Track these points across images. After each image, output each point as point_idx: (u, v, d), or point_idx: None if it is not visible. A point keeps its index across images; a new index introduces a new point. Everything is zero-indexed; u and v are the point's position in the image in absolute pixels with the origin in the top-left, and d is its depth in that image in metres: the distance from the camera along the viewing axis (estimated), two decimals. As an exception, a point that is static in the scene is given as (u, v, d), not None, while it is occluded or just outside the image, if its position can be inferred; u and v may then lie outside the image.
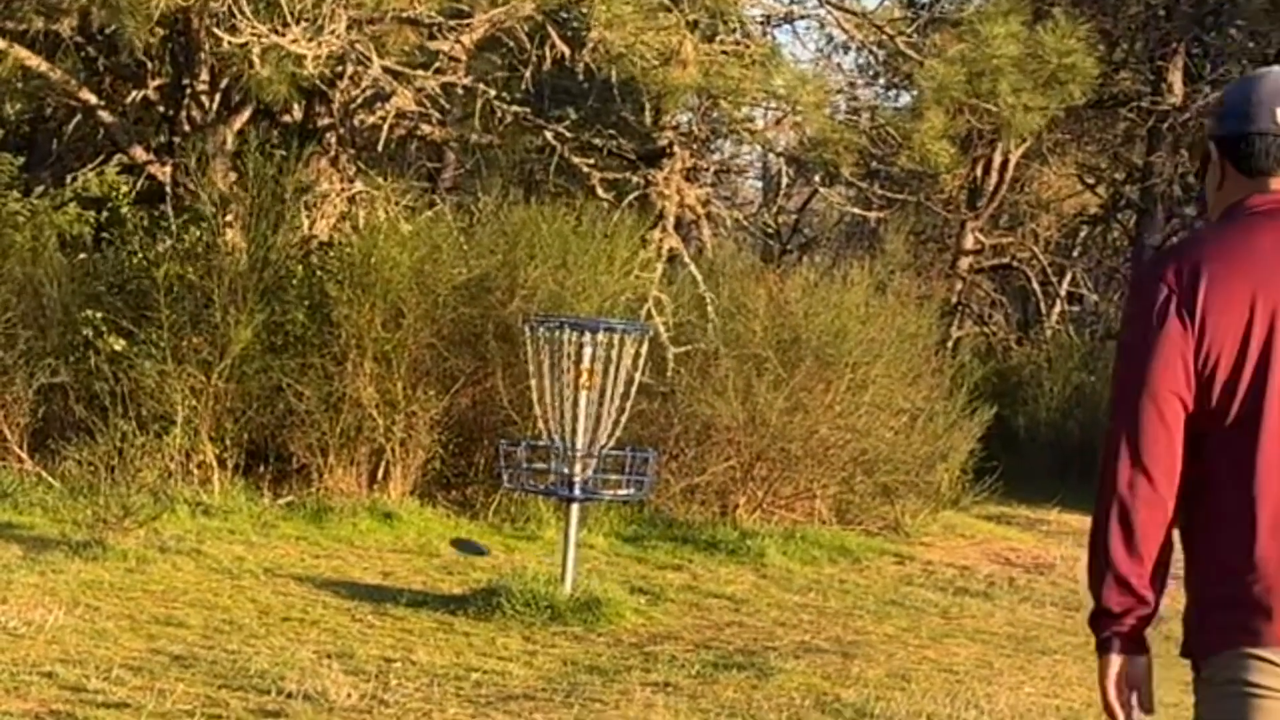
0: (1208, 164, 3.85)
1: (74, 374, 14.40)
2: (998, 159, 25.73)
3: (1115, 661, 3.76)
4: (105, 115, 16.48)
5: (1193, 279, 3.64)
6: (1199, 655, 3.80)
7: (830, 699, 8.58)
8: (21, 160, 16.66)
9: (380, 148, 16.12)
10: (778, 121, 16.59)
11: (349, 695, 8.07)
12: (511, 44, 15.95)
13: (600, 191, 16.06)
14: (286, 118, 16.25)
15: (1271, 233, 3.69)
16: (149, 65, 16.55)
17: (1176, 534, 3.85)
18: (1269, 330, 3.62)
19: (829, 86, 18.24)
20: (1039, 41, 16.34)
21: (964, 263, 26.07)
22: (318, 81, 14.77)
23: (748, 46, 15.88)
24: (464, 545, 12.45)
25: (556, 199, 15.62)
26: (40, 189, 16.48)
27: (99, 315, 14.39)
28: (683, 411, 14.74)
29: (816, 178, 20.81)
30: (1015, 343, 26.97)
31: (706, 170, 17.43)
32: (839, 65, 25.45)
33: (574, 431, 10.93)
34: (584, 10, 14.94)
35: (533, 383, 11.20)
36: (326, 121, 16.00)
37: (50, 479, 13.61)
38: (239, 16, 14.06)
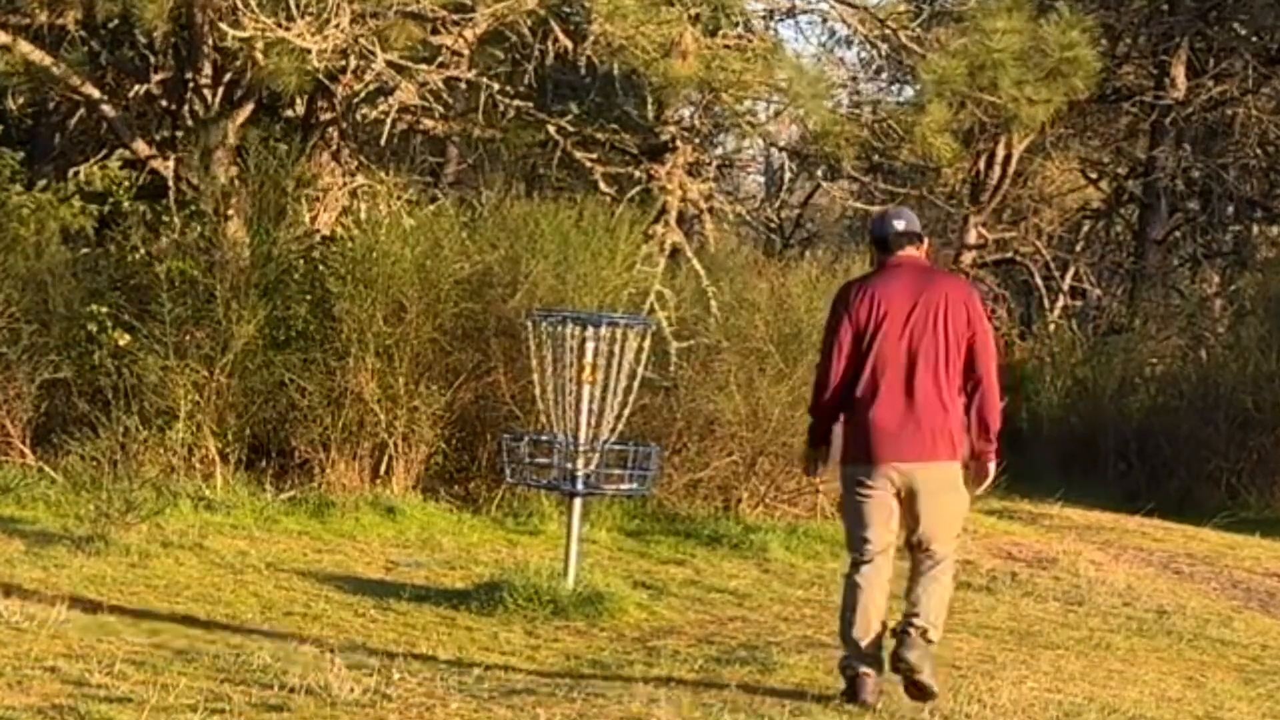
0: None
1: (77, 369, 14.40)
2: (1000, 153, 25.71)
3: (817, 451, 8.38)
4: (108, 109, 16.47)
5: (857, 294, 8.22)
6: (844, 463, 8.24)
7: (833, 694, 8.57)
8: (23, 155, 16.64)
9: (383, 142, 16.12)
10: (777, 114, 16.57)
11: (352, 689, 8.06)
12: (514, 38, 15.95)
13: (603, 186, 16.06)
14: (289, 112, 16.25)
15: (896, 274, 8.25)
16: (152, 59, 16.54)
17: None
18: (883, 314, 8.10)
19: (832, 80, 18.22)
20: (1041, 35, 16.32)
21: (966, 257, 26.04)
22: (320, 76, 14.77)
23: (750, 41, 15.87)
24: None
25: (559, 194, 15.62)
26: (43, 183, 16.48)
27: (102, 310, 14.39)
28: (685, 406, 14.74)
29: (819, 172, 20.81)
30: (1018, 337, 26.96)
31: (709, 165, 17.41)
32: (841, 59, 25.46)
33: (576, 426, 10.93)
34: (586, 4, 14.93)
35: (535, 377, 11.20)
36: (329, 116, 16.00)
37: (53, 474, 13.61)
38: (243, 10, 14.06)
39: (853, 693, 8.20)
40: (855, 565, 8.26)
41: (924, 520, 8.19)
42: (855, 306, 8.18)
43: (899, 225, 8.33)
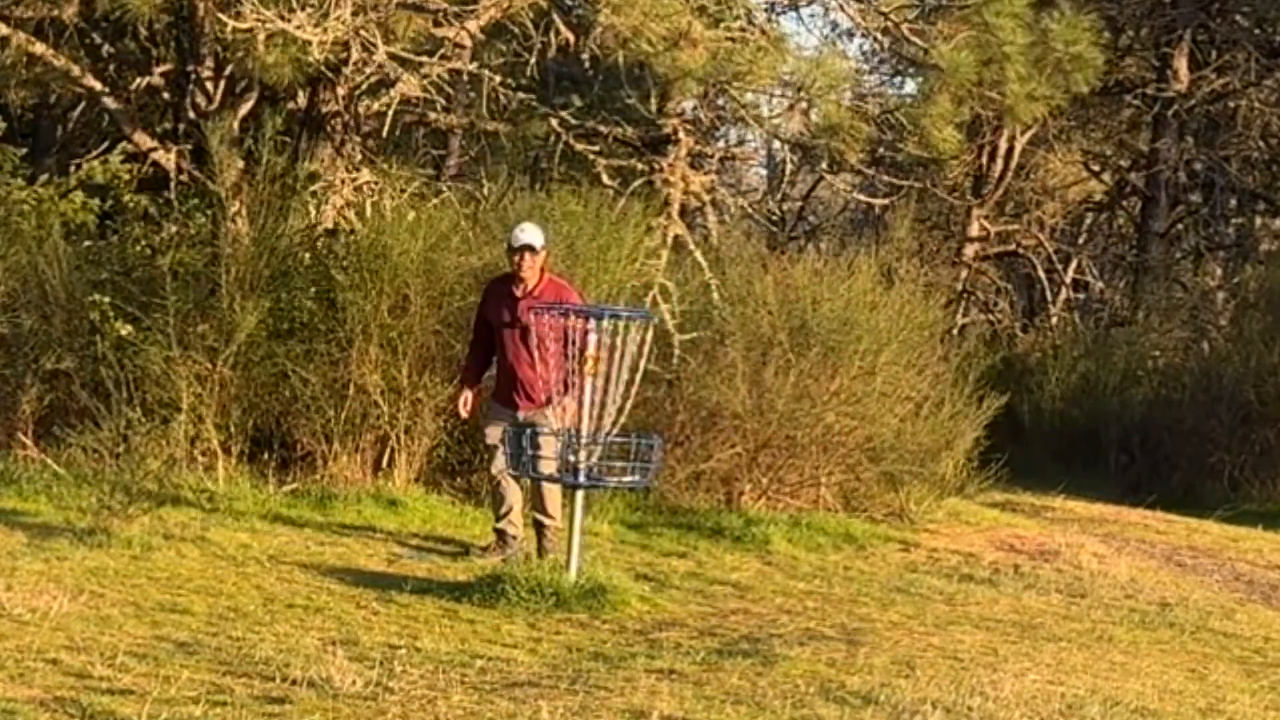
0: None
1: (79, 361, 14.39)
2: (1003, 146, 25.72)
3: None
4: (110, 102, 16.45)
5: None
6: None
7: (835, 686, 8.57)
8: (25, 150, 16.62)
9: (385, 135, 16.10)
10: (791, 107, 16.53)
11: (354, 682, 8.08)
12: (517, 30, 15.94)
13: (605, 179, 16.04)
14: (291, 105, 16.23)
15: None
16: (154, 52, 16.53)
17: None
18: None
19: (840, 73, 18.18)
20: (1046, 30, 16.29)
21: (969, 250, 26.06)
22: (323, 68, 14.75)
23: (753, 33, 15.85)
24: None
25: (562, 186, 15.60)
26: (45, 176, 16.46)
27: (104, 301, 14.38)
28: (688, 398, 14.73)
29: (822, 165, 20.79)
30: (1021, 330, 26.97)
31: (711, 157, 17.39)
32: (844, 52, 25.42)
33: (579, 418, 10.94)
34: (590, -4, 14.93)
35: (538, 369, 11.19)
36: (332, 108, 15.98)
37: (55, 466, 13.61)
38: (244, 1, 14.05)
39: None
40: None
41: None
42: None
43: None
